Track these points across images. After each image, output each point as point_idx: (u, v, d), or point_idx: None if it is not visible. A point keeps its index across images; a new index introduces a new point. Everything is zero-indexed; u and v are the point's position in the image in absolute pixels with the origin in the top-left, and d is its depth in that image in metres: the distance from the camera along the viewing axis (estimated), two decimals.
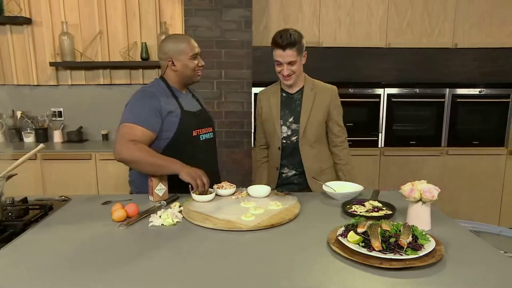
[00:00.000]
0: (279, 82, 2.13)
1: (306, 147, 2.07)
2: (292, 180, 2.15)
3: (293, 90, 2.10)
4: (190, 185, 1.72)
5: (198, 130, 1.93)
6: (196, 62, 1.89)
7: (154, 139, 1.81)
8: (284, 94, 2.12)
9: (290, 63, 1.95)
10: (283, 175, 2.16)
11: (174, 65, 1.87)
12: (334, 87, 2.13)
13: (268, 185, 2.01)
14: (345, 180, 2.01)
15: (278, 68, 2.00)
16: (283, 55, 1.94)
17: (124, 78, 3.61)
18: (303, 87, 2.09)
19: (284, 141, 2.10)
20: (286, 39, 1.90)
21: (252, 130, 3.38)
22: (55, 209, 1.66)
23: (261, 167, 2.28)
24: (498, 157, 3.54)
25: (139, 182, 1.90)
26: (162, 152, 1.80)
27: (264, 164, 2.27)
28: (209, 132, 2.00)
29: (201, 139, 1.95)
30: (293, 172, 2.14)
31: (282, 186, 2.14)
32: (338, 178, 2.11)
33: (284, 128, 2.09)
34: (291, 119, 2.08)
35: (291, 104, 2.09)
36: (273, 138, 2.13)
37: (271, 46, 1.99)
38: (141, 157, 1.72)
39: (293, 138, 2.08)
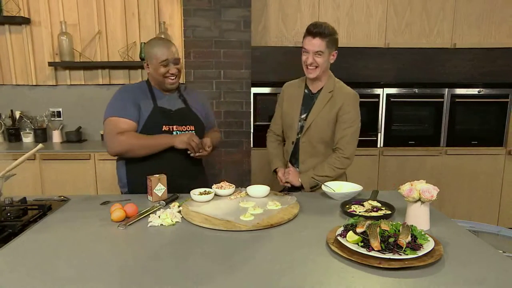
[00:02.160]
0: (305, 78, 2.08)
1: (307, 143, 2.06)
2: None
3: (315, 89, 2.05)
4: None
5: (170, 126, 1.95)
6: (165, 69, 1.90)
7: (136, 128, 1.89)
8: (306, 91, 2.08)
9: (317, 53, 1.91)
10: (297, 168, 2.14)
11: (148, 67, 1.95)
12: (353, 93, 2.03)
13: (285, 163, 2.06)
14: (315, 173, 2.00)
15: (303, 57, 1.95)
16: (312, 43, 1.89)
17: (123, 78, 3.60)
18: (323, 87, 2.04)
19: (298, 136, 2.09)
20: (319, 27, 1.89)
21: (252, 130, 3.38)
22: (54, 209, 1.66)
23: (275, 143, 2.24)
24: (496, 157, 3.54)
25: (120, 172, 2.06)
26: None
27: (277, 142, 2.24)
28: (188, 130, 1.99)
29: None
30: (298, 169, 2.13)
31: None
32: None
33: (299, 124, 2.08)
34: (303, 116, 2.07)
35: (309, 103, 2.06)
36: (290, 131, 2.12)
37: (304, 36, 1.95)
38: (131, 143, 1.83)
39: (300, 135, 2.09)
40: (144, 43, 3.44)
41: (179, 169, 1.93)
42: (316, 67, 1.94)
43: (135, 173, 1.95)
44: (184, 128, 1.98)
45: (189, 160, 1.98)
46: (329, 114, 2.01)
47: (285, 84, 2.21)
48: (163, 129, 1.93)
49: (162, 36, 3.39)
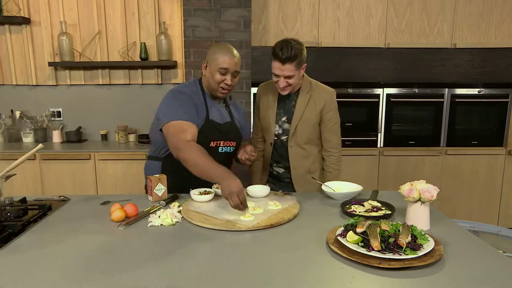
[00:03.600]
0: None
1: (295, 147, 2.08)
2: (281, 177, 2.17)
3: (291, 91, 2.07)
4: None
5: (217, 142, 1.91)
6: (222, 77, 1.83)
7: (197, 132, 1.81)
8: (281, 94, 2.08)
9: (288, 77, 1.91)
10: (274, 172, 2.18)
11: (206, 69, 1.88)
12: (332, 90, 2.08)
13: (260, 179, 2.01)
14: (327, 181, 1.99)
15: (275, 78, 1.96)
16: (282, 69, 1.89)
17: (123, 78, 3.61)
18: (300, 88, 2.06)
19: (276, 138, 2.11)
20: (287, 52, 1.85)
21: (251, 130, 3.37)
22: (54, 209, 1.66)
23: (256, 161, 2.19)
24: (496, 157, 3.54)
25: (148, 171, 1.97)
26: None
27: (260, 158, 2.21)
28: (230, 146, 1.97)
29: (220, 151, 1.92)
30: (282, 170, 2.16)
31: (272, 182, 2.19)
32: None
33: (276, 127, 2.10)
34: (283, 119, 2.08)
35: (286, 104, 2.08)
36: (267, 133, 2.14)
37: (271, 55, 1.93)
38: (192, 158, 1.66)
39: (283, 138, 2.09)
40: (144, 43, 3.45)
41: (213, 183, 1.83)
42: (289, 86, 1.95)
43: (170, 174, 1.84)
44: (228, 144, 1.95)
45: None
46: (312, 115, 2.03)
47: (259, 86, 2.20)
48: (210, 145, 1.87)
49: (161, 36, 3.40)
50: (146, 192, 2.02)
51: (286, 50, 1.85)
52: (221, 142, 1.92)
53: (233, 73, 1.85)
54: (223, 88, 1.86)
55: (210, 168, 1.61)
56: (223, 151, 1.94)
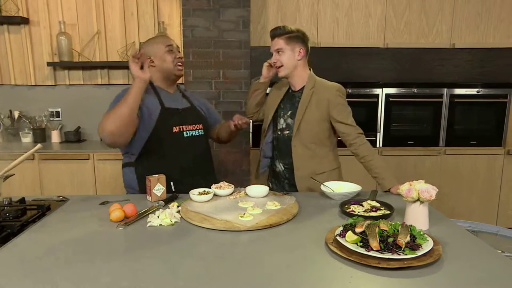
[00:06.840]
0: None
1: (299, 146, 2.04)
2: (282, 176, 2.16)
3: (296, 88, 2.08)
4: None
5: (180, 127, 1.94)
6: (172, 54, 1.93)
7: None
8: (290, 90, 2.13)
9: (278, 52, 2.00)
10: (276, 169, 2.17)
11: (153, 62, 1.92)
12: (335, 86, 2.04)
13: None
14: (375, 176, 1.99)
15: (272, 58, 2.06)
16: (272, 44, 2.03)
17: (122, 78, 3.60)
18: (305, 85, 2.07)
19: (279, 133, 2.12)
20: (276, 29, 2.01)
21: (251, 130, 3.38)
22: (53, 210, 1.66)
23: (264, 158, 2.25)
24: (495, 157, 3.55)
25: (129, 179, 1.95)
26: (144, 145, 1.87)
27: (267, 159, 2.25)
28: (197, 130, 2.00)
29: (185, 135, 1.95)
30: (282, 167, 2.14)
31: (274, 183, 2.20)
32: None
33: (281, 120, 2.11)
34: (288, 113, 2.09)
35: (292, 99, 2.10)
36: (269, 126, 2.17)
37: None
38: (110, 116, 1.71)
39: (286, 132, 2.09)
40: (143, 42, 3.44)
41: (190, 169, 1.93)
42: (281, 66, 2.02)
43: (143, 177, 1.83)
44: (193, 127, 1.99)
45: (199, 159, 1.99)
46: (316, 113, 2.02)
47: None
48: (173, 130, 1.91)
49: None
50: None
51: (277, 28, 2.01)
52: (184, 126, 1.95)
53: (177, 49, 1.97)
54: (178, 64, 1.94)
55: (126, 96, 1.72)
56: (188, 135, 1.96)
